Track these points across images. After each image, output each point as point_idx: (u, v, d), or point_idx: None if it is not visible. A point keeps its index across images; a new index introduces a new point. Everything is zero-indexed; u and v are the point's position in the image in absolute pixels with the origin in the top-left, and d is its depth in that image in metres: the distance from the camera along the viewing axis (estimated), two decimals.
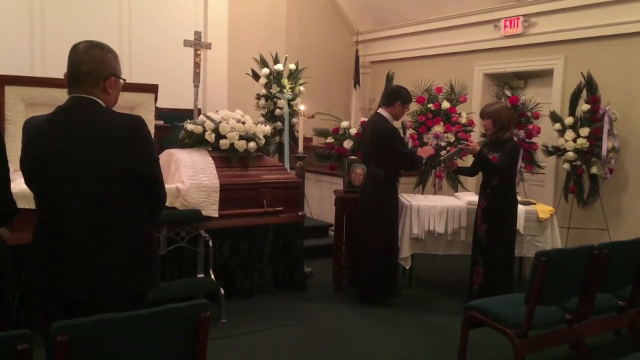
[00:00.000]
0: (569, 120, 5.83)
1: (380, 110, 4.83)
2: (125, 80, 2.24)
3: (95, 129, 2.05)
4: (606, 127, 5.63)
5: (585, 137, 5.67)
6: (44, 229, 2.08)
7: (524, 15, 6.85)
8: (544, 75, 6.93)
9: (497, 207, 4.51)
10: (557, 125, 5.91)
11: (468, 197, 5.42)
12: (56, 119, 2.07)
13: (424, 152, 5.01)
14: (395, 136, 4.74)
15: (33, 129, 2.07)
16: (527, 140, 5.93)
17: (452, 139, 5.91)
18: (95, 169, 2.03)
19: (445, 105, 5.94)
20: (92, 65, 2.08)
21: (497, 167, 4.47)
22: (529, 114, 6.00)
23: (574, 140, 5.72)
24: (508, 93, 6.28)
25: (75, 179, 2.03)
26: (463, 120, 5.96)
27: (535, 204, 5.35)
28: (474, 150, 4.60)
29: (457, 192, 5.98)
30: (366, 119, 5.69)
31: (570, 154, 5.75)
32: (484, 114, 4.62)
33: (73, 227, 2.03)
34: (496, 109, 4.56)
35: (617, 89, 5.91)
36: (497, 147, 4.56)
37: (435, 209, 5.14)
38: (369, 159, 4.86)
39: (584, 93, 5.85)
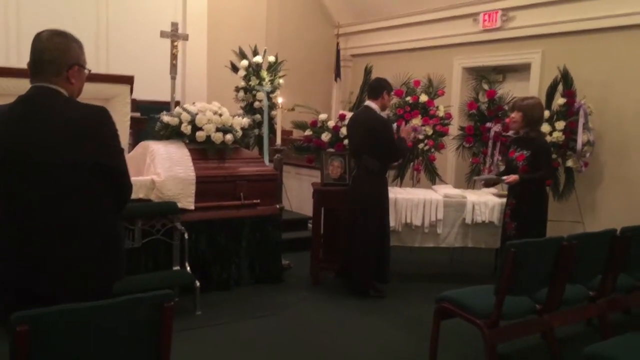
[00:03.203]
0: (545, 114, 5.87)
1: (368, 103, 4.86)
2: (90, 70, 2.21)
3: (57, 120, 2.02)
4: (581, 120, 5.69)
5: (561, 131, 5.72)
6: (6, 221, 2.05)
7: (502, 10, 6.90)
8: (521, 69, 6.99)
9: (528, 205, 4.41)
10: None
11: (445, 190, 5.46)
12: (17, 109, 2.03)
13: (404, 132, 5.05)
14: (387, 126, 4.83)
15: None
16: (503, 133, 5.98)
17: (430, 132, 5.93)
18: (57, 161, 2.00)
19: (423, 98, 5.96)
20: (54, 53, 2.05)
21: (544, 176, 4.44)
22: (506, 107, 6.05)
23: (550, 134, 5.76)
24: (486, 87, 6.33)
25: (37, 171, 2.00)
26: (441, 113, 5.98)
27: None
28: (515, 182, 4.43)
29: (434, 184, 6.02)
30: (345, 112, 5.72)
31: None
32: (515, 106, 4.50)
33: (36, 220, 2.01)
34: (530, 104, 4.45)
35: (592, 83, 5.98)
36: (525, 143, 4.46)
37: (412, 202, 5.18)
38: (360, 151, 4.85)
39: (560, 87, 5.91)
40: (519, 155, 4.48)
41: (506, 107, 6.05)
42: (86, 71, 2.17)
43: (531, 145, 4.44)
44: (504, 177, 4.54)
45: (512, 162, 4.56)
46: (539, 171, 4.42)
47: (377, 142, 4.72)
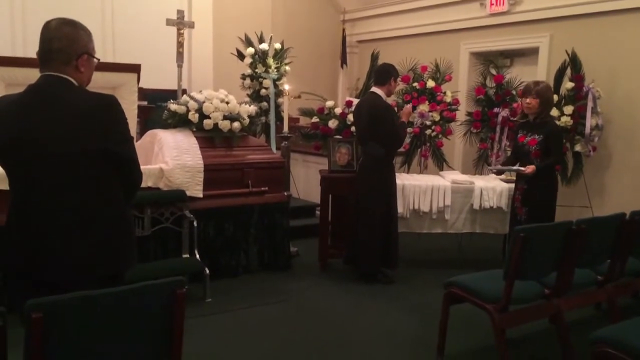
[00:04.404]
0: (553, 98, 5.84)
1: (374, 89, 4.85)
2: (99, 59, 2.21)
3: (67, 108, 2.02)
4: (590, 105, 5.66)
5: (569, 115, 5.69)
6: (17, 209, 2.07)
7: None
8: (529, 54, 6.94)
9: (539, 190, 4.38)
10: None
11: (453, 176, 5.45)
12: (27, 98, 2.04)
13: (405, 115, 5.03)
14: (391, 113, 4.82)
15: (3, 109, 2.04)
16: (511, 118, 5.95)
17: (437, 118, 5.91)
18: (66, 149, 2.01)
19: (431, 84, 5.93)
20: (64, 42, 2.05)
21: (556, 161, 4.42)
22: (514, 92, 6.02)
23: (558, 118, 5.73)
24: (493, 71, 6.28)
25: (46, 159, 2.01)
26: (448, 99, 5.96)
27: None
28: (532, 172, 4.35)
29: (442, 171, 6.01)
30: (352, 99, 5.70)
31: None
32: (530, 91, 4.38)
33: (45, 208, 2.03)
34: (545, 88, 4.40)
35: (601, 67, 5.94)
36: (537, 128, 4.40)
37: (420, 188, 5.17)
38: (366, 138, 4.85)
39: (569, 71, 5.87)
40: (530, 139, 4.42)
41: (514, 92, 6.01)
42: (95, 60, 2.17)
43: (543, 130, 4.39)
44: (522, 168, 4.43)
45: (523, 147, 4.49)
46: (550, 156, 4.40)
47: (381, 128, 4.71)
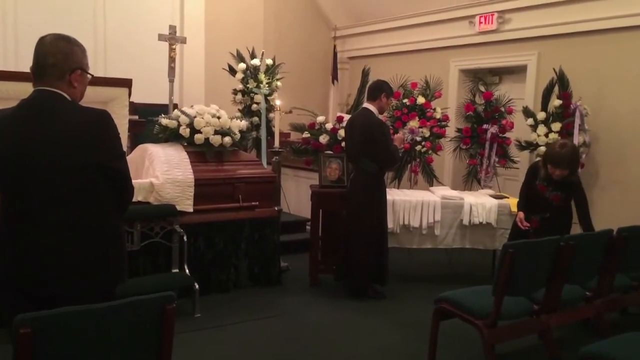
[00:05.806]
0: (541, 116, 5.92)
1: (366, 105, 4.88)
2: (92, 75, 2.22)
3: (60, 123, 2.03)
4: (577, 122, 5.72)
5: (557, 132, 5.76)
6: (8, 223, 2.06)
7: (498, 12, 6.94)
8: (517, 71, 7.03)
9: (556, 227, 4.23)
10: (530, 121, 6.01)
11: (442, 191, 5.48)
12: (20, 113, 2.05)
13: (397, 141, 5.04)
14: (385, 130, 4.82)
15: None
16: (500, 135, 6.02)
17: (427, 134, 5.96)
18: (59, 163, 2.01)
19: (421, 100, 5.99)
20: (58, 57, 2.06)
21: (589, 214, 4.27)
22: (503, 109, 6.09)
23: (546, 135, 5.81)
24: (482, 88, 6.36)
25: (39, 174, 2.01)
26: (438, 115, 6.02)
27: (507, 197, 5.44)
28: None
29: (432, 186, 6.04)
30: (343, 114, 5.74)
31: (543, 149, 5.83)
32: (562, 164, 4.07)
33: (38, 222, 2.02)
34: (574, 155, 4.15)
35: (588, 85, 6.02)
36: (561, 185, 4.21)
37: (410, 203, 5.20)
38: (358, 153, 4.86)
39: (556, 89, 5.95)
40: (553, 195, 4.28)
41: (502, 109, 6.08)
42: (89, 76, 2.18)
43: (568, 188, 4.24)
44: None
45: (546, 200, 4.32)
46: (584, 212, 4.27)
47: (375, 145, 4.73)
